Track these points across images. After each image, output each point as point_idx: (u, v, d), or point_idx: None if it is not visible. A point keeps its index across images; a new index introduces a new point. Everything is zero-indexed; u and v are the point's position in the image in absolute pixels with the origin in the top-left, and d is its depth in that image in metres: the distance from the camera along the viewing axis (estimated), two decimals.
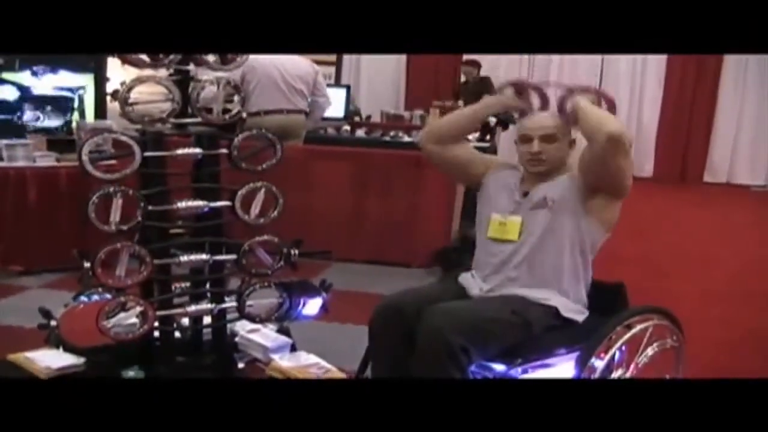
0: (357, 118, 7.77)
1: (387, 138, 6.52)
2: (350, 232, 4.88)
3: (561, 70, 10.57)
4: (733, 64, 10.01)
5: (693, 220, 7.41)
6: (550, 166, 2.38)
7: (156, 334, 2.50)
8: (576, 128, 2.37)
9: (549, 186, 2.39)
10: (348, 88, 7.42)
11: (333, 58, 9.32)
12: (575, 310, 2.36)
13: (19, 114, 4.82)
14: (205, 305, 2.55)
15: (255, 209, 2.55)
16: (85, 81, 5.07)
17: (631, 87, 10.46)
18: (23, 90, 4.83)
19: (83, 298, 2.58)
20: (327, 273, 3.76)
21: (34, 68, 4.86)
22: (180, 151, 2.47)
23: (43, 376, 2.47)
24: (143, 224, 2.39)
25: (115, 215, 2.32)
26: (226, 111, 2.56)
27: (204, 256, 2.51)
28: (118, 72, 3.86)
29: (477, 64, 8.70)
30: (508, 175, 2.52)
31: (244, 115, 2.64)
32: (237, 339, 2.84)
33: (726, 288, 4.75)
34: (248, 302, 2.58)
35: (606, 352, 2.19)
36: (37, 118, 4.88)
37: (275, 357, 2.73)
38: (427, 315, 2.17)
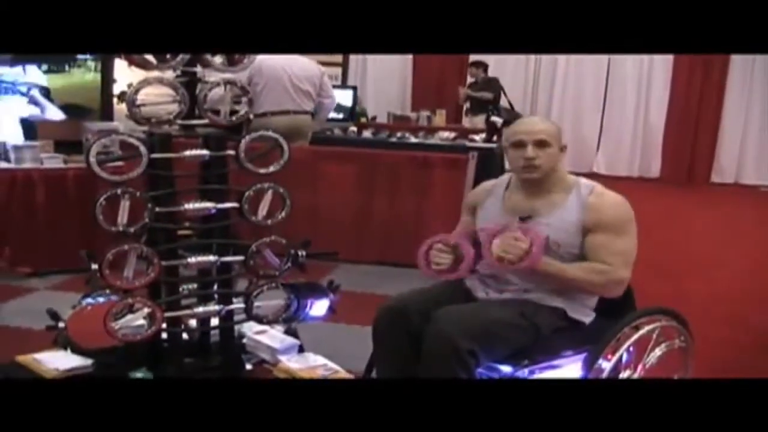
0: (363, 119, 7.78)
1: (393, 139, 6.53)
2: (357, 232, 4.88)
3: (567, 71, 10.58)
4: (739, 63, 9.99)
5: (700, 221, 7.39)
6: (543, 172, 2.32)
7: (164, 335, 2.51)
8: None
9: (547, 210, 2.33)
10: (354, 89, 7.44)
11: (339, 59, 9.32)
12: (582, 312, 2.36)
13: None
14: (213, 307, 2.56)
15: (262, 210, 2.55)
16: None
17: (637, 87, 10.46)
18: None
19: (91, 300, 2.59)
20: (334, 274, 3.76)
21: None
22: (187, 153, 2.47)
23: (51, 377, 2.47)
24: (151, 226, 2.39)
25: (123, 217, 2.33)
26: (233, 112, 2.56)
27: (211, 258, 2.51)
28: (125, 74, 3.87)
29: (484, 65, 8.70)
30: (492, 201, 2.47)
31: (251, 116, 2.64)
32: (245, 340, 2.84)
33: (734, 288, 4.74)
34: (256, 303, 2.59)
35: (613, 354, 2.19)
36: None
37: (283, 358, 2.74)
38: (435, 318, 2.16)
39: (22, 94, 4.91)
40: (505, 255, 2.18)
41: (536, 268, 2.18)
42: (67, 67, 5.20)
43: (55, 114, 5.12)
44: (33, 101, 5.02)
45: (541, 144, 2.30)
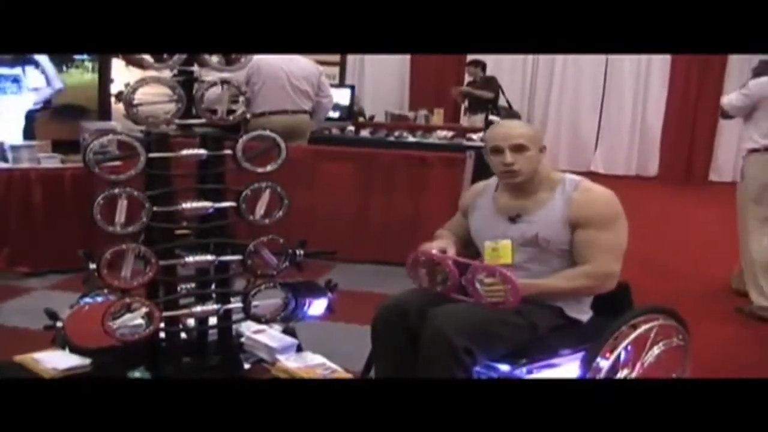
0: (361, 119, 7.78)
1: (391, 138, 6.53)
2: (355, 232, 4.88)
3: (565, 70, 10.58)
4: (737, 62, 9.98)
5: (698, 219, 7.40)
6: (524, 176, 2.33)
7: (162, 335, 2.51)
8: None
9: (534, 208, 2.35)
10: (352, 88, 7.44)
11: (337, 58, 9.32)
12: (579, 310, 2.36)
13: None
14: (211, 306, 2.55)
15: (260, 210, 2.55)
16: None
17: (635, 86, 10.47)
18: None
19: (89, 300, 2.59)
20: (332, 273, 3.76)
21: None
22: (185, 152, 2.47)
23: (50, 377, 2.47)
24: (148, 225, 2.39)
25: (121, 216, 2.32)
26: (230, 112, 2.56)
27: (209, 257, 2.51)
28: (122, 73, 3.87)
29: (482, 64, 8.70)
30: (483, 203, 2.50)
31: (249, 116, 2.64)
32: (243, 340, 2.84)
33: (732, 287, 4.73)
34: (254, 303, 2.58)
35: (611, 352, 2.19)
36: None
37: (281, 357, 2.73)
38: (431, 316, 2.17)
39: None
40: (495, 299, 2.19)
41: (523, 294, 2.18)
42: (65, 68, 5.20)
43: (60, 83, 5.04)
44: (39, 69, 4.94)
45: (518, 149, 2.31)
